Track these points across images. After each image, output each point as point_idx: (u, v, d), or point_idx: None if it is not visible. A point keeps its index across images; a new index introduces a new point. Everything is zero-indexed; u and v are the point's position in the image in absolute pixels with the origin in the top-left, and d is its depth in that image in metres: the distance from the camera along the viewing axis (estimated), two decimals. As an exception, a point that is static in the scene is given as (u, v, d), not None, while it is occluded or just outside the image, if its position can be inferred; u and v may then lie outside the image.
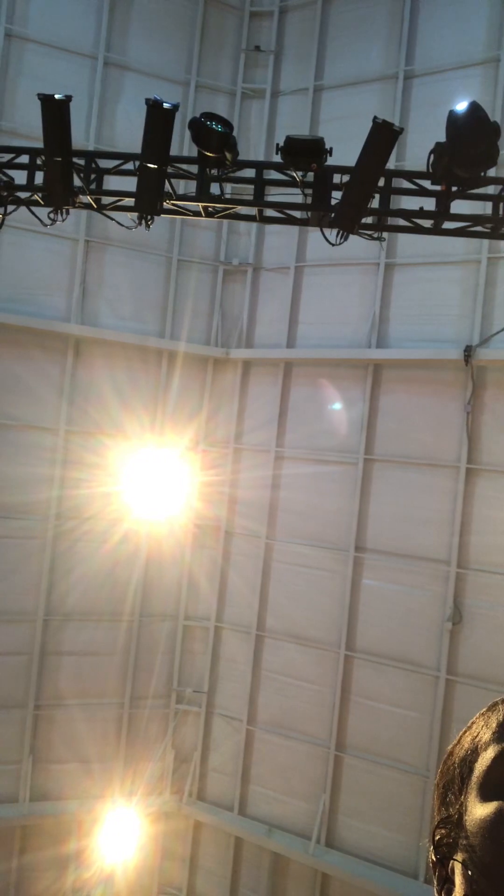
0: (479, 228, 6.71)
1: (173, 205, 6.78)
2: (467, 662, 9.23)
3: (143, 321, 10.84)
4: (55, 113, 6.10)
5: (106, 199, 6.99)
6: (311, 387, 10.64)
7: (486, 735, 0.91)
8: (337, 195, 6.41)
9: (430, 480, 9.68)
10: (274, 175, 6.80)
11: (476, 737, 0.93)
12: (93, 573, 10.52)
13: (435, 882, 0.89)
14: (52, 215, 6.79)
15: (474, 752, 0.91)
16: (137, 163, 6.45)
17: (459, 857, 0.84)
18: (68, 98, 6.11)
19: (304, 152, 6.19)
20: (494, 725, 0.91)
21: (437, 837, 0.90)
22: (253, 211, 7.03)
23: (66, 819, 10.54)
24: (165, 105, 6.02)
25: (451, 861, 0.85)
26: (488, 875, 0.78)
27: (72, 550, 10.54)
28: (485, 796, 0.85)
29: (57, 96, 6.04)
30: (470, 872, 0.80)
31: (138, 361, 10.78)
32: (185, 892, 11.12)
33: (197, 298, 10.99)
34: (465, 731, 0.97)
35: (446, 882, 0.86)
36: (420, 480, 9.75)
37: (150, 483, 10.73)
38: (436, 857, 0.89)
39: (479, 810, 0.84)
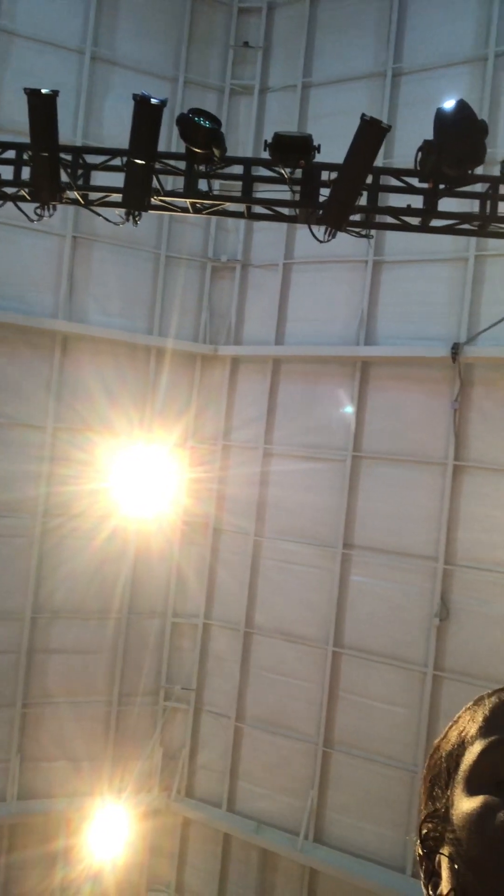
0: (466, 226, 6.73)
1: (161, 201, 6.75)
2: (454, 658, 9.29)
3: (132, 318, 10.80)
4: (42, 108, 6.05)
5: (93, 195, 6.95)
6: (299, 384, 10.65)
7: (472, 729, 0.92)
8: (325, 192, 6.41)
9: (417, 477, 9.72)
10: (262, 172, 6.79)
11: (462, 731, 0.94)
12: (81, 570, 10.48)
13: (422, 876, 0.89)
14: (38, 211, 6.75)
15: (461, 747, 0.92)
16: (125, 158, 6.42)
17: (446, 850, 0.84)
18: (55, 93, 6.07)
19: (293, 149, 6.19)
20: (480, 720, 0.92)
21: (424, 831, 0.90)
22: (241, 207, 7.02)
23: (54, 817, 10.51)
24: (153, 101, 5.99)
25: (438, 855, 0.85)
26: (474, 868, 0.79)
27: (59, 547, 10.51)
28: (471, 790, 0.85)
29: (44, 91, 6.00)
30: (456, 866, 0.81)
31: (126, 358, 10.74)
32: (173, 888, 11.13)
33: (185, 295, 10.96)
34: (452, 726, 0.97)
35: (433, 876, 0.86)
36: (408, 477, 9.79)
37: (139, 480, 10.70)
38: (422, 850, 0.89)
39: (465, 804, 0.84)
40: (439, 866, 0.85)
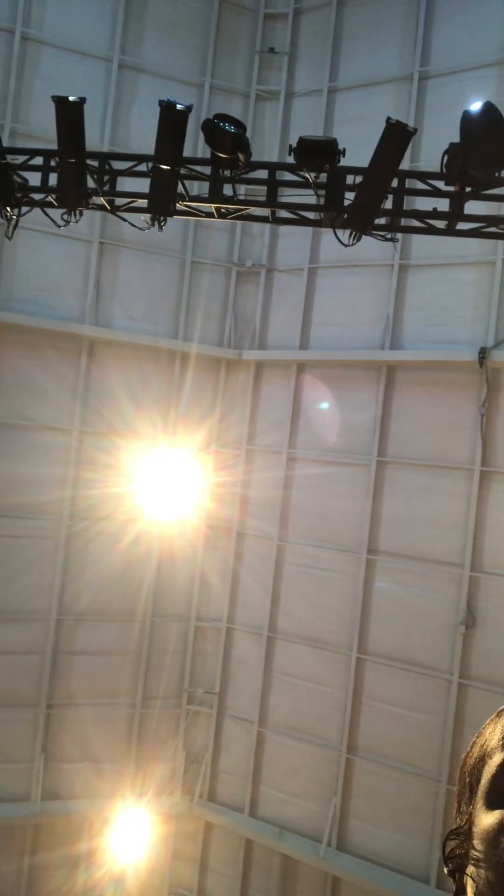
0: (493, 229, 6.66)
1: (186, 206, 6.79)
2: (480, 666, 9.16)
3: (157, 322, 10.87)
4: (69, 115, 6.13)
5: (119, 201, 7.02)
6: (324, 388, 10.61)
7: (492, 740, 0.90)
8: (350, 196, 6.39)
9: (443, 483, 9.61)
10: (287, 176, 6.79)
11: (484, 744, 0.92)
12: (105, 573, 10.55)
13: (453, 892, 0.88)
14: (65, 217, 6.83)
15: (481, 761, 0.91)
16: (151, 164, 6.47)
17: (469, 869, 0.83)
18: (82, 100, 6.14)
19: (318, 153, 6.17)
20: (500, 732, 0.90)
21: (448, 849, 0.89)
22: (266, 212, 7.03)
23: (76, 818, 10.57)
24: (179, 106, 6.03)
25: (464, 874, 0.84)
26: (491, 888, 0.77)
27: (85, 550, 10.59)
28: (491, 804, 0.84)
29: (71, 98, 6.08)
30: (477, 886, 0.79)
31: (151, 363, 10.80)
32: (195, 893, 11.12)
33: (210, 300, 11.00)
34: (476, 738, 0.96)
35: (461, 893, 0.85)
36: (434, 483, 9.69)
37: (163, 484, 10.75)
38: (447, 868, 0.88)
39: (484, 820, 0.83)
40: (465, 884, 0.84)
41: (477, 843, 0.83)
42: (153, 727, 10.97)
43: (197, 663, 11.21)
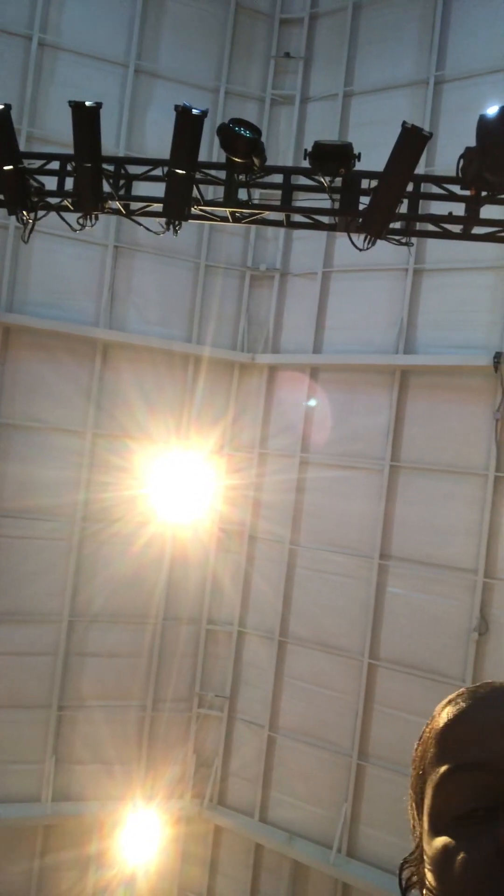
0: (509, 234, 6.62)
1: (201, 210, 6.81)
2: (493, 673, 9.08)
3: (171, 326, 10.91)
4: (86, 120, 6.17)
5: (135, 205, 7.05)
6: (337, 392, 10.59)
7: (430, 750, 0.86)
8: (365, 200, 6.38)
9: (457, 488, 9.56)
10: (302, 181, 6.79)
11: (425, 751, 0.87)
12: (118, 576, 10.58)
13: None
14: (81, 220, 6.87)
15: (422, 777, 0.86)
16: (166, 169, 6.50)
17: None
18: (98, 105, 6.18)
19: (333, 157, 6.18)
20: (436, 740, 0.85)
21: (406, 878, 0.85)
22: (280, 216, 7.03)
23: (87, 820, 10.59)
24: (194, 111, 6.06)
25: None
26: None
27: (98, 553, 10.62)
28: (434, 830, 0.79)
29: (87, 103, 6.12)
30: None
31: (165, 366, 10.84)
32: (205, 895, 11.11)
33: (224, 303, 11.02)
34: (419, 743, 0.91)
35: None
36: (447, 488, 9.63)
37: (176, 487, 10.77)
38: None
39: (430, 846, 0.79)
40: None
41: (428, 872, 0.78)
42: (164, 730, 10.98)
43: (208, 667, 11.21)
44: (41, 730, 10.51)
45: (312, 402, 10.13)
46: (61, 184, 6.99)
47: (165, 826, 10.80)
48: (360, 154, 6.19)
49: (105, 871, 10.67)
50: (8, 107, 6.31)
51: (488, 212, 6.40)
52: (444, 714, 0.86)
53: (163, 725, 10.98)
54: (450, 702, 0.88)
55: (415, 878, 0.84)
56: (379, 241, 6.43)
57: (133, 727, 10.86)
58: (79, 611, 10.61)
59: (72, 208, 6.90)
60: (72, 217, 7.00)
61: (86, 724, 10.64)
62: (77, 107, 6.15)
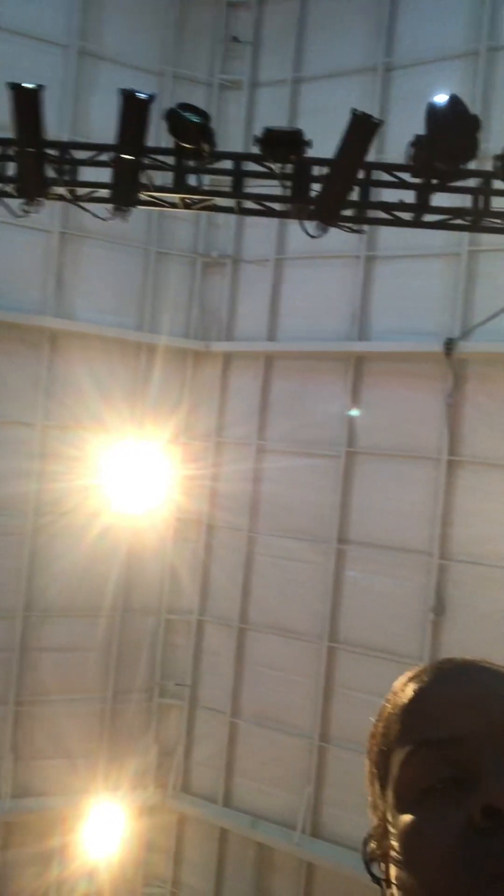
0: (459, 221, 6.68)
1: (150, 196, 6.68)
2: (450, 652, 9.13)
3: (122, 314, 10.72)
4: (27, 103, 5.96)
5: (81, 191, 6.86)
6: (292, 380, 10.60)
7: (393, 727, 0.85)
8: (316, 187, 6.35)
9: (412, 472, 9.70)
10: (253, 167, 6.71)
11: (387, 727, 0.87)
12: (73, 568, 10.42)
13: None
14: (25, 207, 6.65)
15: (386, 753, 0.85)
16: (113, 154, 6.33)
17: (392, 873, 0.79)
18: (39, 87, 5.96)
19: (283, 144, 6.12)
20: (399, 715, 0.85)
21: (369, 852, 0.85)
22: (231, 203, 6.94)
23: (49, 815, 10.49)
24: (140, 95, 5.91)
25: (390, 884, 0.80)
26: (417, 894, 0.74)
27: (52, 545, 10.45)
28: (400, 807, 0.80)
29: (27, 85, 5.89)
30: (402, 894, 0.76)
31: (118, 355, 10.66)
32: (170, 884, 11.15)
33: (176, 291, 10.87)
34: (379, 718, 0.90)
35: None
36: (403, 472, 9.77)
37: (131, 477, 10.64)
38: (369, 873, 0.84)
39: (398, 822, 0.79)
40: (392, 889, 0.80)
41: (395, 845, 0.79)
42: (125, 721, 10.93)
43: (168, 656, 11.19)
44: (-1, 727, 10.34)
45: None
46: (2, 169, 6.74)
47: (129, 817, 10.78)
48: (310, 141, 6.14)
49: (68, 865, 10.61)
50: None
51: (438, 199, 6.44)
52: (408, 689, 0.86)
53: (124, 717, 10.93)
54: (413, 678, 0.88)
55: (378, 852, 0.84)
56: (331, 229, 6.41)
57: (94, 720, 10.78)
58: (34, 605, 10.43)
59: (15, 194, 6.67)
60: (15, 203, 6.77)
61: (45, 718, 10.51)
62: (16, 89, 5.92)
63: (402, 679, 0.90)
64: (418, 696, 0.85)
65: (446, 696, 0.83)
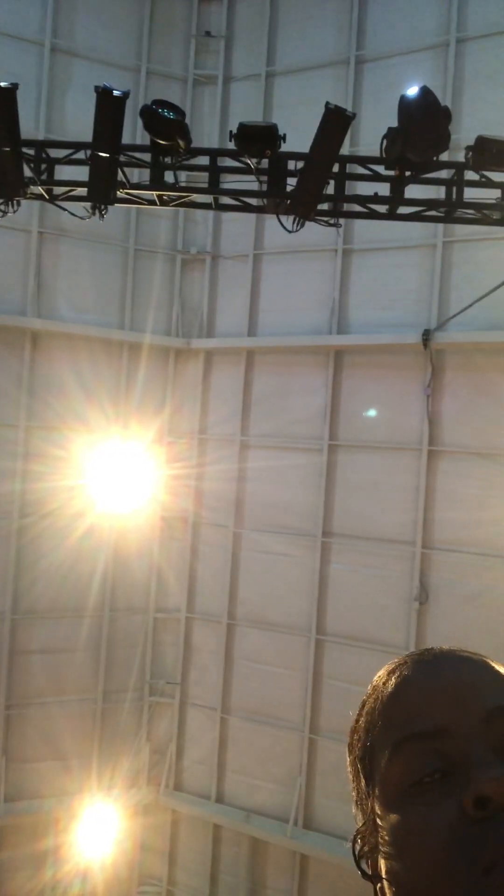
0: (433, 213, 6.77)
1: (127, 194, 6.68)
2: (435, 639, 9.36)
3: (102, 313, 10.70)
4: (2, 101, 5.94)
5: (58, 190, 6.86)
6: (273, 375, 10.65)
7: (377, 723, 0.85)
8: (292, 182, 6.40)
9: (393, 463, 9.80)
10: (228, 162, 6.74)
11: (370, 723, 0.87)
12: (60, 569, 10.40)
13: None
14: (2, 207, 6.63)
15: (370, 749, 0.85)
16: (89, 152, 6.33)
17: (383, 868, 0.79)
18: (14, 86, 5.95)
19: (258, 139, 6.15)
20: (381, 710, 0.85)
21: (358, 848, 0.85)
22: (209, 199, 6.97)
23: (42, 817, 10.47)
24: (115, 92, 5.91)
25: (380, 880, 0.80)
26: (409, 888, 0.74)
27: (36, 545, 10.41)
28: (389, 805, 0.80)
29: (2, 84, 5.88)
30: (395, 889, 0.76)
31: (99, 353, 10.65)
32: (165, 882, 11.17)
33: (156, 288, 10.88)
34: (361, 710, 0.90)
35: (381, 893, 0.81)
36: (384, 464, 9.86)
37: (116, 476, 10.63)
38: (360, 870, 0.84)
39: (387, 820, 0.79)
40: (383, 892, 0.80)
41: (384, 841, 0.79)
42: (117, 721, 10.92)
43: (157, 654, 11.20)
44: (-11, 731, 10.30)
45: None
46: (-21, 169, 6.70)
47: (123, 817, 10.78)
48: (285, 135, 6.19)
49: (62, 866, 10.59)
50: None
51: (412, 191, 6.52)
52: (390, 683, 0.86)
53: (115, 716, 10.92)
54: (393, 670, 0.88)
55: (367, 849, 0.84)
56: (308, 223, 6.46)
57: (85, 720, 10.76)
58: (20, 607, 10.39)
59: (-9, 194, 6.64)
60: (-8, 203, 6.74)
61: (36, 721, 10.48)
62: (-9, 88, 5.91)
63: (382, 672, 0.90)
64: (401, 688, 0.84)
65: (430, 687, 0.82)
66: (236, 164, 6.61)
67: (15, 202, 6.62)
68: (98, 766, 10.75)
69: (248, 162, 6.33)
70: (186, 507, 11.01)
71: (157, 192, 6.68)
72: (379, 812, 0.81)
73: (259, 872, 10.55)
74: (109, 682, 10.86)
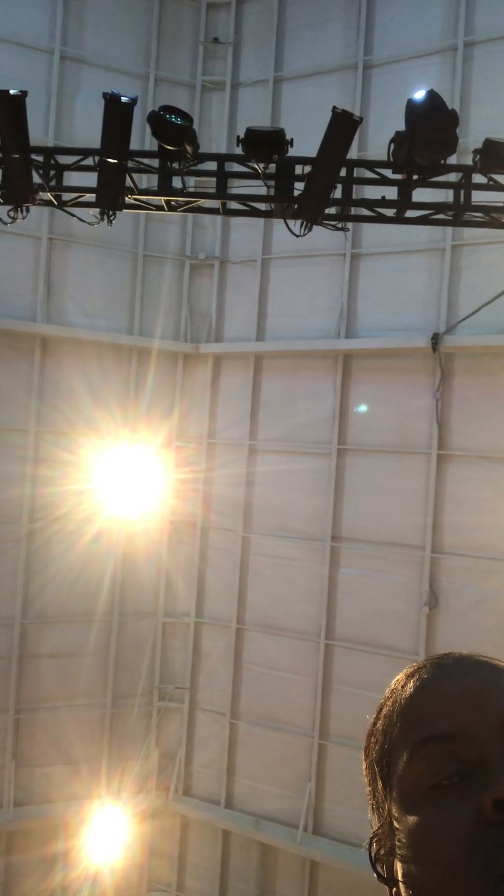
0: (441, 216, 6.76)
1: (135, 200, 6.72)
2: (444, 644, 9.35)
3: (111, 318, 10.75)
4: (11, 109, 5.99)
5: (67, 196, 6.91)
6: (281, 379, 10.65)
7: (395, 727, 0.85)
8: (300, 186, 6.41)
9: (402, 468, 9.77)
10: (236, 167, 6.77)
11: (388, 727, 0.87)
12: (69, 573, 10.43)
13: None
14: (11, 213, 6.68)
15: (388, 753, 0.85)
16: (97, 158, 6.38)
17: (399, 871, 0.79)
18: (24, 93, 6.00)
19: (265, 144, 6.17)
20: (399, 714, 0.85)
21: (374, 851, 0.84)
22: (216, 204, 6.99)
23: (52, 821, 10.48)
24: (123, 99, 5.95)
25: (397, 883, 0.80)
26: (427, 890, 0.74)
27: (46, 550, 10.45)
28: (407, 807, 0.79)
29: (12, 92, 5.93)
30: (411, 892, 0.77)
31: (109, 359, 10.70)
32: (174, 888, 11.13)
33: (165, 294, 10.92)
34: (377, 716, 0.90)
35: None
36: (393, 468, 9.83)
37: (125, 480, 10.66)
38: (376, 873, 0.84)
39: (404, 822, 0.79)
40: (399, 888, 0.80)
41: (402, 844, 0.78)
42: (126, 725, 10.92)
43: (167, 659, 11.19)
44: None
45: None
46: (-11, 176, 6.77)
47: (132, 822, 10.77)
48: (292, 140, 6.20)
49: (71, 870, 10.59)
50: None
51: (420, 195, 6.52)
52: (409, 686, 0.86)
53: (125, 721, 10.92)
54: (412, 674, 0.88)
55: (382, 852, 0.83)
56: (316, 227, 6.47)
57: (94, 725, 10.77)
58: (30, 612, 10.42)
59: (1, 201, 6.70)
60: (2, 210, 6.81)
61: (46, 725, 10.50)
62: (1, 95, 5.96)
63: (401, 676, 0.90)
64: (420, 692, 0.84)
65: (448, 691, 0.82)
66: (244, 168, 6.63)
67: (24, 208, 6.67)
68: (107, 771, 10.75)
69: (256, 167, 6.35)
70: (195, 511, 11.01)
71: (165, 198, 6.71)
72: (396, 814, 0.81)
73: (268, 878, 10.51)
74: (118, 686, 10.87)
